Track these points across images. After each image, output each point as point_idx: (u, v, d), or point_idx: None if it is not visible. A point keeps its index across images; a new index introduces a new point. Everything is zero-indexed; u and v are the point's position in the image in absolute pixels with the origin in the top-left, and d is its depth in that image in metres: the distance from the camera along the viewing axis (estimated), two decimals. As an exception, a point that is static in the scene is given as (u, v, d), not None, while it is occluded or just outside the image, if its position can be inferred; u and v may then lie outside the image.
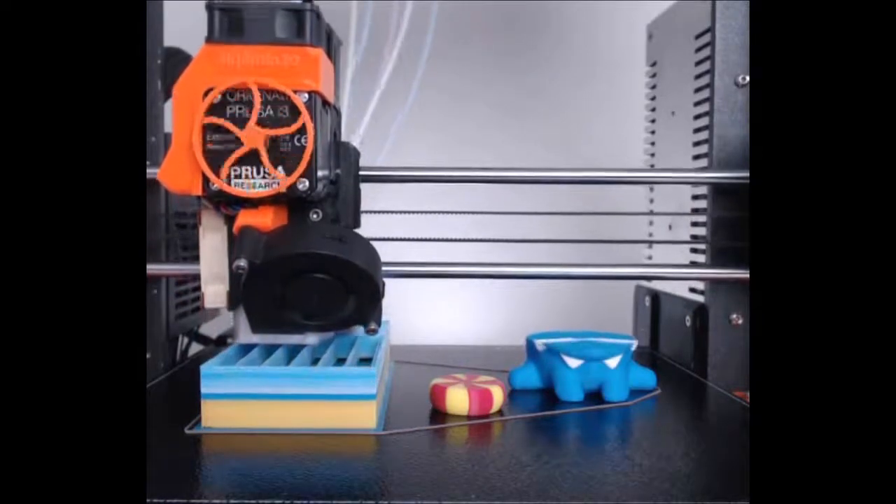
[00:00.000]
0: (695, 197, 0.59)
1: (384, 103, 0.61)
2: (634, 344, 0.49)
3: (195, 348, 0.65)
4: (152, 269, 0.52)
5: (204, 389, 0.39)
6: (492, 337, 0.81)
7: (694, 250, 0.60)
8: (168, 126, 0.41)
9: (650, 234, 0.70)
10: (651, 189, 0.69)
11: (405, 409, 0.44)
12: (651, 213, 0.68)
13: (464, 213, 0.55)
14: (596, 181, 0.54)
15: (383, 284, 0.42)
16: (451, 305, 0.82)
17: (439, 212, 0.55)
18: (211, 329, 0.67)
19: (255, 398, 0.39)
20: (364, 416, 0.40)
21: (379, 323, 0.42)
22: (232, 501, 0.30)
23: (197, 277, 0.45)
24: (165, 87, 0.55)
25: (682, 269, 0.56)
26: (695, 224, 0.59)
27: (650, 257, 0.70)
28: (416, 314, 0.81)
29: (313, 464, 0.35)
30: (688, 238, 0.60)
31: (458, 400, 0.43)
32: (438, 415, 0.43)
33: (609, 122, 0.81)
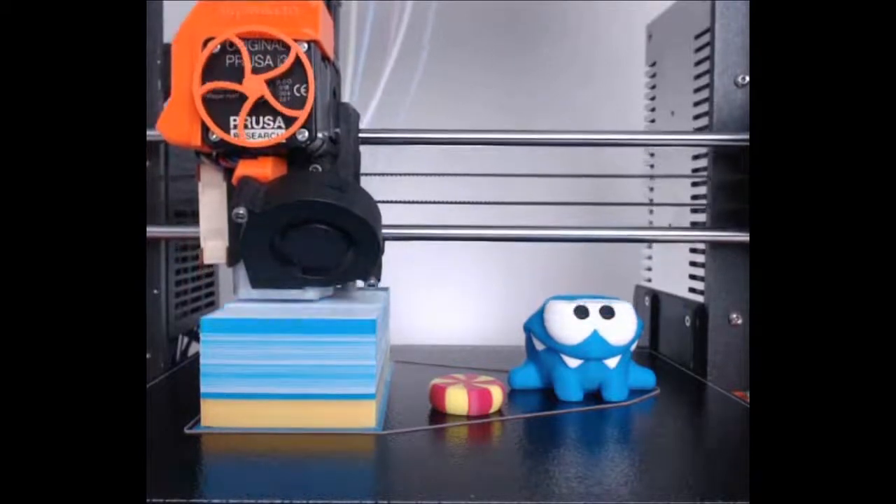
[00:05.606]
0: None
1: (383, 104, 0.61)
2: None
3: (195, 348, 0.65)
4: (151, 231, 0.52)
5: (204, 389, 0.39)
6: (491, 336, 0.81)
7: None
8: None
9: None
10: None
11: (405, 409, 0.44)
12: (651, 176, 0.69)
13: (461, 175, 0.55)
14: (595, 143, 0.55)
15: (383, 240, 0.42)
16: (451, 304, 0.82)
17: (436, 174, 0.55)
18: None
19: (255, 398, 0.39)
20: (364, 416, 0.40)
21: (379, 277, 0.42)
22: (232, 501, 0.30)
23: (196, 247, 0.44)
24: (165, 87, 0.55)
25: (684, 232, 0.56)
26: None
27: (650, 257, 0.70)
28: (416, 314, 0.81)
29: (313, 464, 0.35)
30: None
31: (457, 400, 0.43)
32: (438, 415, 0.43)
33: (609, 122, 0.80)
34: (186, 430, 0.39)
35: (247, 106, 0.39)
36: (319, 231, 0.40)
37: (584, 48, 0.82)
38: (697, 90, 0.59)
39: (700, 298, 0.57)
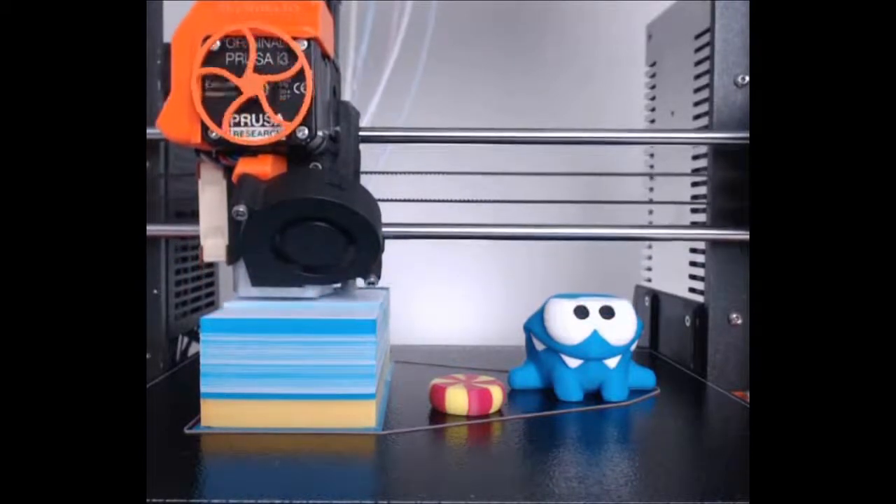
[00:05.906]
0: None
1: (383, 104, 0.61)
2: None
3: (195, 348, 0.65)
4: (151, 229, 0.53)
5: (204, 389, 0.39)
6: (491, 336, 0.81)
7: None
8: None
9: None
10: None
11: (405, 409, 0.44)
12: (651, 175, 0.69)
13: (461, 173, 0.55)
14: (595, 142, 0.55)
15: (383, 238, 0.42)
16: (451, 304, 0.82)
17: (436, 172, 0.55)
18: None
19: (255, 398, 0.39)
20: (363, 416, 0.40)
21: (379, 276, 0.42)
22: (232, 501, 0.30)
23: (196, 246, 0.44)
24: (165, 87, 0.55)
25: (684, 231, 0.56)
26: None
27: (650, 257, 0.70)
28: (416, 314, 0.81)
29: (313, 464, 0.35)
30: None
31: (457, 400, 0.43)
32: (438, 415, 0.43)
33: (609, 122, 0.81)
34: (186, 430, 0.39)
35: (237, 102, 0.39)
36: (319, 229, 0.40)
37: (584, 48, 0.82)
38: (697, 90, 0.59)
39: (700, 298, 0.57)
